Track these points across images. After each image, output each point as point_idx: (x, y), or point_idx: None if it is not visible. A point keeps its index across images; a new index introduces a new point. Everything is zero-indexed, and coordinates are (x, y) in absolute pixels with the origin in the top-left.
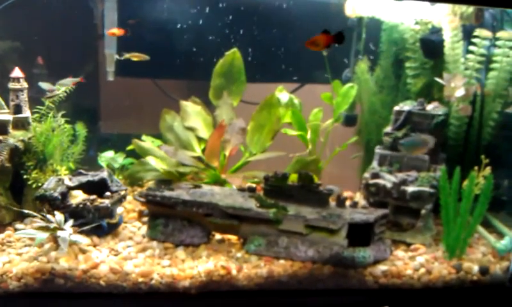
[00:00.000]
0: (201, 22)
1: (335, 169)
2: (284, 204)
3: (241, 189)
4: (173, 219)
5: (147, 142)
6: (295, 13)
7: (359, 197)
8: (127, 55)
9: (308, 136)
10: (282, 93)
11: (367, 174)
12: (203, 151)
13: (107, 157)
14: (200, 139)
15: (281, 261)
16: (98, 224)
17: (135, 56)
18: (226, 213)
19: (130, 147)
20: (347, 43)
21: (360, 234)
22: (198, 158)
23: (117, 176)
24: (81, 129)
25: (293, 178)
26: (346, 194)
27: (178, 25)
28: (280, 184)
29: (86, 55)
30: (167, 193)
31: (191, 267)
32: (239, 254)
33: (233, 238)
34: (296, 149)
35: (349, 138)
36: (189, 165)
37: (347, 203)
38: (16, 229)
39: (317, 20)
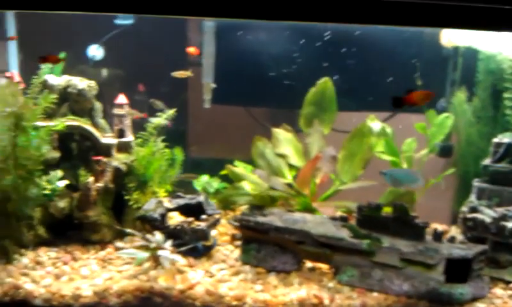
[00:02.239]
0: (293, 51)
1: (428, 200)
2: (378, 236)
3: (333, 218)
4: (265, 244)
5: (240, 167)
6: (389, 42)
7: (454, 231)
8: (174, 74)
9: (403, 166)
10: (374, 122)
11: (464, 208)
12: (294, 178)
13: (202, 181)
14: (290, 166)
15: (375, 294)
16: (195, 246)
17: (180, 74)
18: (319, 241)
19: (223, 172)
20: (443, 73)
21: (458, 270)
22: (289, 185)
23: (211, 199)
24: (179, 153)
25: (386, 209)
26: (440, 227)
27: (271, 55)
28: (373, 215)
29: (178, 83)
30: (260, 219)
31: (283, 293)
32: (330, 284)
33: (324, 266)
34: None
35: (443, 169)
36: (280, 191)
37: (445, 237)
38: (116, 248)
39: (411, 49)
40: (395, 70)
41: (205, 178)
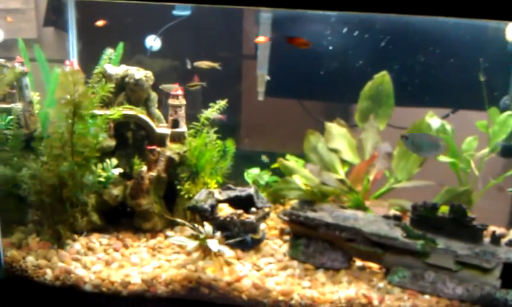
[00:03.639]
0: (350, 44)
1: (488, 202)
2: (432, 237)
3: (386, 217)
4: (314, 240)
5: (291, 161)
6: (451, 37)
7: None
8: (197, 64)
9: (461, 165)
10: (433, 119)
11: None
12: (346, 174)
13: (253, 173)
14: (343, 162)
15: (426, 297)
16: (243, 238)
17: (205, 64)
18: (370, 240)
19: (275, 165)
20: (507, 69)
21: None
22: (341, 181)
23: (262, 192)
24: (230, 145)
25: (443, 209)
26: (498, 230)
27: (327, 47)
28: (428, 215)
29: (233, 75)
30: (310, 214)
31: (332, 291)
32: (381, 284)
33: (374, 266)
34: (445, 179)
35: (505, 170)
36: (332, 187)
37: (503, 240)
38: (167, 236)
39: (474, 44)
40: (457, 65)
41: (255, 170)
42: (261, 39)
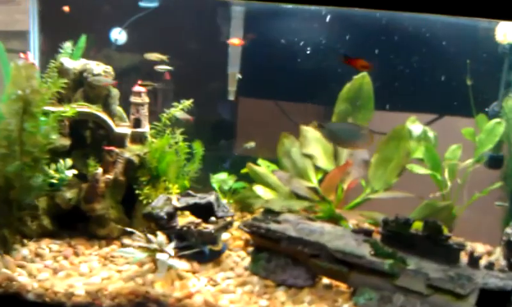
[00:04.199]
0: (329, 41)
1: (473, 216)
2: (404, 256)
3: (356, 231)
4: (276, 255)
5: (261, 167)
6: (438, 37)
7: (498, 254)
8: (146, 55)
9: (444, 176)
10: (414, 124)
11: (509, 230)
12: (320, 181)
13: (219, 178)
14: (317, 169)
15: None
16: (200, 250)
17: (154, 56)
18: (335, 257)
19: (243, 170)
20: (497, 73)
21: (493, 303)
22: (313, 190)
23: (228, 199)
24: (198, 147)
25: (417, 225)
26: (483, 248)
27: (303, 46)
28: (401, 231)
29: (205, 72)
30: (273, 226)
31: None
32: (346, 306)
33: (342, 285)
34: (426, 191)
35: (491, 182)
36: (302, 198)
37: (482, 262)
38: (123, 245)
39: (463, 45)
40: (443, 67)
41: (222, 175)
42: (235, 41)
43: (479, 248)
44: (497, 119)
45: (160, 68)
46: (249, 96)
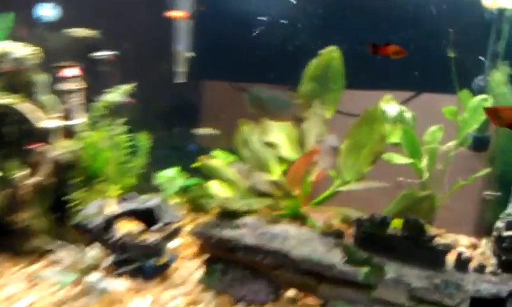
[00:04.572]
0: (291, 15)
1: (456, 205)
2: (381, 261)
3: (325, 233)
4: (233, 266)
5: (218, 159)
6: (416, 2)
7: (484, 247)
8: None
9: (423, 163)
10: (389, 105)
11: (500, 224)
12: (284, 173)
13: (165, 176)
14: (281, 159)
15: None
16: (142, 265)
17: (80, 32)
18: (300, 267)
19: (195, 165)
20: (483, 43)
21: None
22: (275, 184)
23: (181, 199)
24: (144, 140)
25: (396, 223)
26: (467, 240)
27: (264, 19)
28: (377, 232)
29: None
30: (226, 233)
31: None
32: None
33: (311, 297)
34: (404, 179)
35: (476, 167)
36: (263, 195)
37: (471, 265)
38: (54, 261)
39: (446, 12)
40: (421, 36)
41: (169, 171)
42: (177, 14)
43: (463, 240)
44: (483, 96)
45: (97, 55)
46: (201, 78)
